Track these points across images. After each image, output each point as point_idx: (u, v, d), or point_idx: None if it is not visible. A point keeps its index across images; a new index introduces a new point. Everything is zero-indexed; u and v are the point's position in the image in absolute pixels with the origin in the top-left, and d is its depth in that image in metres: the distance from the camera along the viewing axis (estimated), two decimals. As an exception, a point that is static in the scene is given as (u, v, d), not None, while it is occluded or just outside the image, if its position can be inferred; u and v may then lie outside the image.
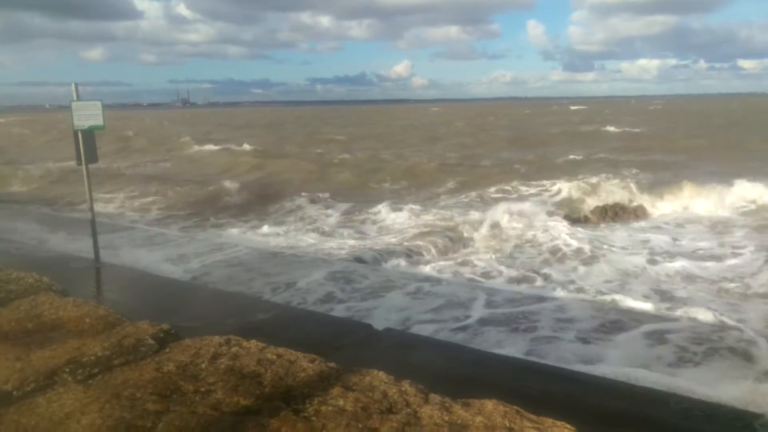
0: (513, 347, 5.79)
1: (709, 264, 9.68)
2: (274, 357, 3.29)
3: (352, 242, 11.66)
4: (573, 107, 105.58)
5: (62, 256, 8.45)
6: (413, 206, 15.11)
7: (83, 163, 8.57)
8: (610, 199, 15.29)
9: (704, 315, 6.80)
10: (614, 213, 14.29)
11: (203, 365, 3.21)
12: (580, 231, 11.96)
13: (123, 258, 8.69)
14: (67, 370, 3.19)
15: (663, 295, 8.04)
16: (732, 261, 9.87)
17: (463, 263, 9.94)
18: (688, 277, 8.97)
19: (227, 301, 6.47)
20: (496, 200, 15.68)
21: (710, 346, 5.92)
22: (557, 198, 16.46)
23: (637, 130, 42.01)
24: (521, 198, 16.24)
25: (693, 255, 10.29)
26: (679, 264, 9.58)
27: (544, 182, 18.12)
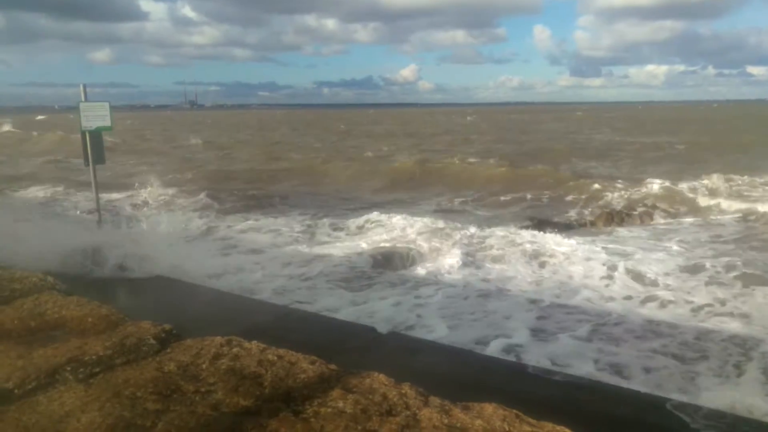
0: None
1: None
2: (275, 358, 3.29)
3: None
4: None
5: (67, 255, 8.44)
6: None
7: (90, 163, 8.63)
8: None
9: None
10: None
11: (204, 365, 3.21)
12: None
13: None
14: (68, 368, 3.20)
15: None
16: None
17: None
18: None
19: (229, 302, 6.47)
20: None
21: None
22: None
23: None
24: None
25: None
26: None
27: None
